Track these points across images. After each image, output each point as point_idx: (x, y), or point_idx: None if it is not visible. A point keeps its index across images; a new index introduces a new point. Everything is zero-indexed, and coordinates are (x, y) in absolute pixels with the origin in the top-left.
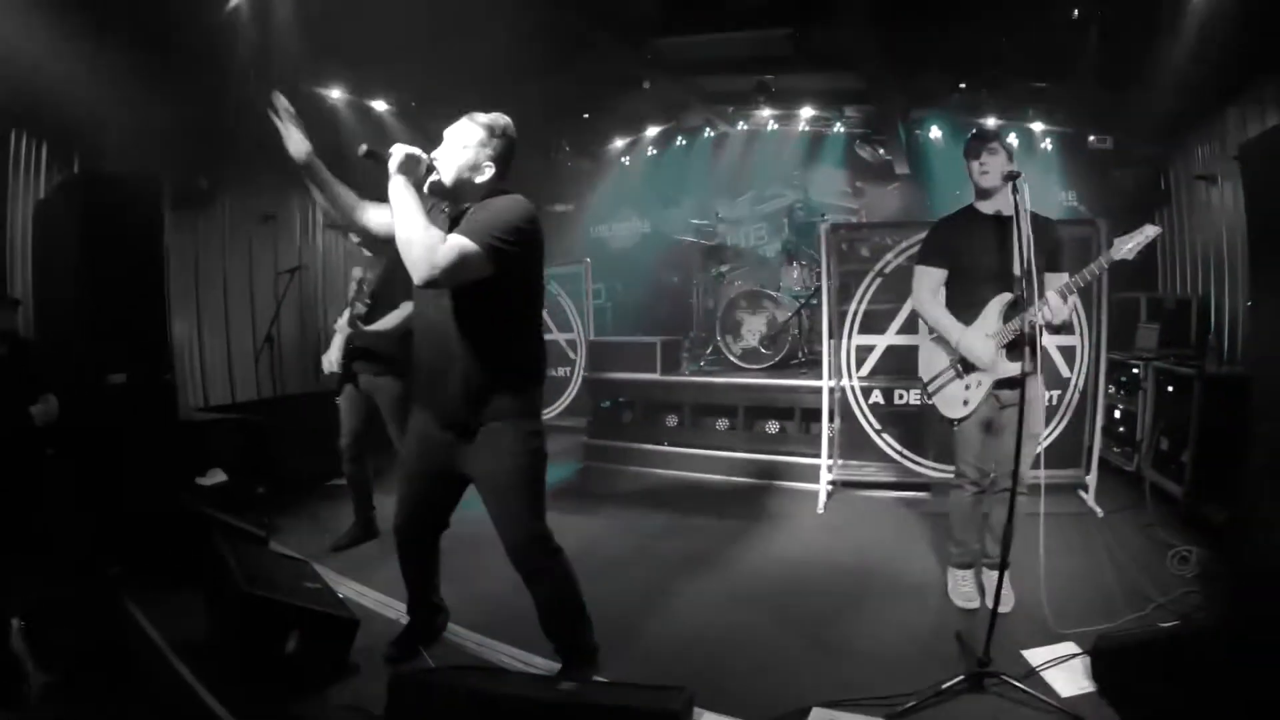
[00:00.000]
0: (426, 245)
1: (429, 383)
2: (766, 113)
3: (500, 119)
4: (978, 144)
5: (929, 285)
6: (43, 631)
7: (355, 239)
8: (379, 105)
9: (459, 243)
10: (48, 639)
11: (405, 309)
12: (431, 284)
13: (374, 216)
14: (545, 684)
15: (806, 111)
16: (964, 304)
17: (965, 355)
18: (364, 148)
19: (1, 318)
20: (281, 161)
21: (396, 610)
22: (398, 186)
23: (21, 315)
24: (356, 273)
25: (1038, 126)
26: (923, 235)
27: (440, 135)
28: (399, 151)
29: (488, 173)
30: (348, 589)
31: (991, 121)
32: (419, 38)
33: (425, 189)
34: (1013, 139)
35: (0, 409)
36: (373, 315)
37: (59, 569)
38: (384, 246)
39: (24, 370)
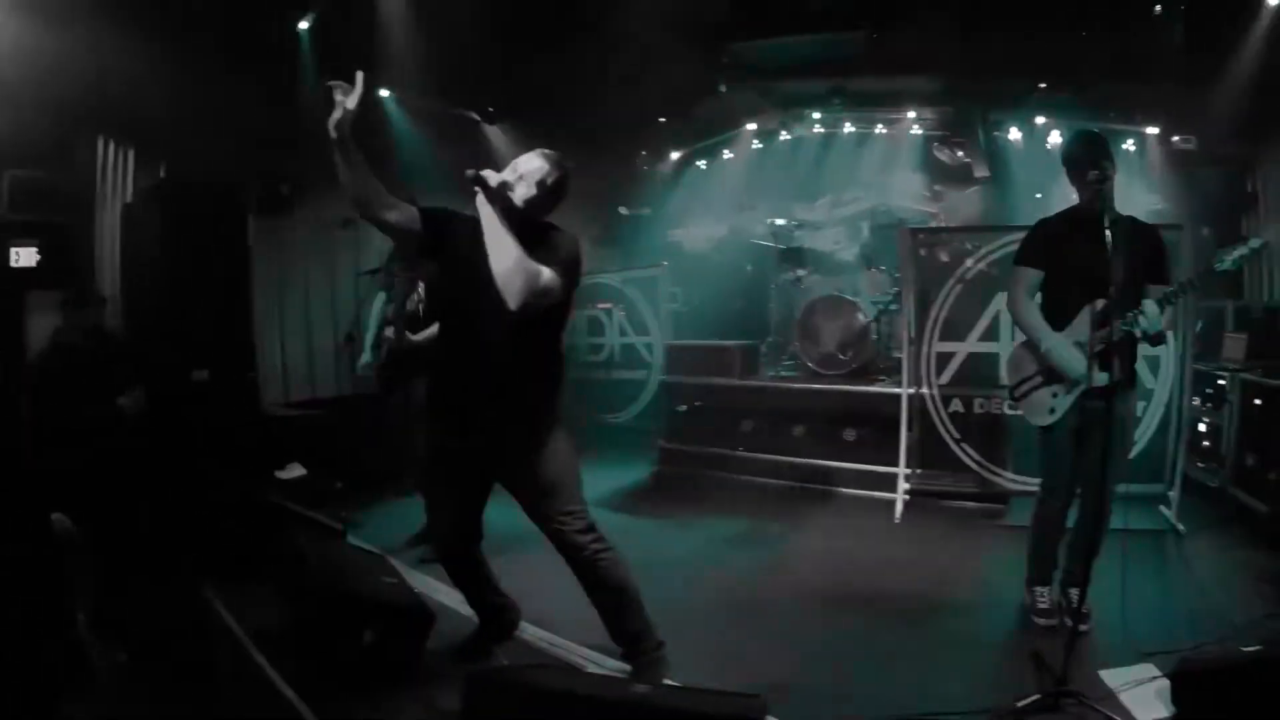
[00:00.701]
0: (530, 275)
1: (470, 392)
2: (843, 115)
3: (564, 159)
4: (1081, 149)
5: (1024, 287)
6: (116, 616)
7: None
8: (463, 112)
9: (552, 276)
10: (121, 623)
11: None
12: (525, 310)
13: (395, 215)
14: (620, 685)
15: (883, 114)
16: (1058, 308)
17: (1053, 364)
18: (471, 172)
19: (89, 314)
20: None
21: (469, 607)
22: (493, 215)
23: (109, 314)
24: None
25: (1120, 127)
26: (1004, 240)
27: (517, 140)
28: (493, 179)
29: (550, 206)
30: (422, 584)
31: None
32: (502, 47)
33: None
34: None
35: (88, 400)
36: (416, 322)
37: (139, 556)
38: (403, 242)
39: (112, 365)
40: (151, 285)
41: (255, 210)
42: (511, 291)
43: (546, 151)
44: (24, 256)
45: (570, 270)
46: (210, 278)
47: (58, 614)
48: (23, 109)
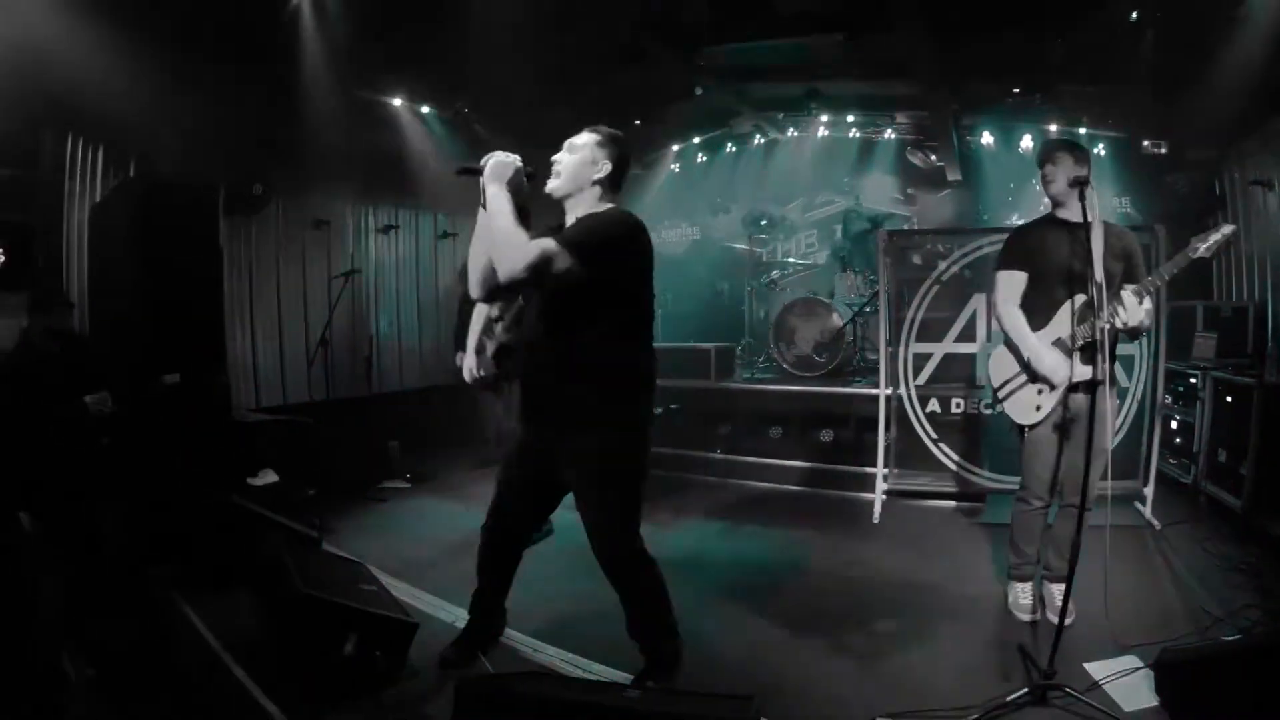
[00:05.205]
0: (513, 244)
1: (540, 390)
2: (818, 119)
3: (618, 134)
4: (1042, 153)
5: (1010, 291)
6: (86, 625)
7: None
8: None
9: (544, 243)
10: (91, 633)
11: None
12: (514, 282)
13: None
14: (613, 691)
15: (858, 118)
16: (1039, 307)
17: (1036, 369)
18: (459, 166)
19: (56, 318)
20: (333, 168)
21: (450, 613)
22: (492, 192)
23: (77, 316)
24: (487, 310)
25: (1091, 131)
26: (978, 242)
27: (492, 142)
28: (491, 159)
29: (598, 180)
30: (400, 592)
31: (1052, 127)
32: (475, 46)
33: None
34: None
35: (55, 405)
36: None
37: (107, 563)
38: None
39: (79, 368)
40: (121, 286)
41: (226, 210)
42: (496, 259)
43: (602, 127)
44: None
45: (576, 247)
46: (181, 279)
47: (30, 615)
48: None
